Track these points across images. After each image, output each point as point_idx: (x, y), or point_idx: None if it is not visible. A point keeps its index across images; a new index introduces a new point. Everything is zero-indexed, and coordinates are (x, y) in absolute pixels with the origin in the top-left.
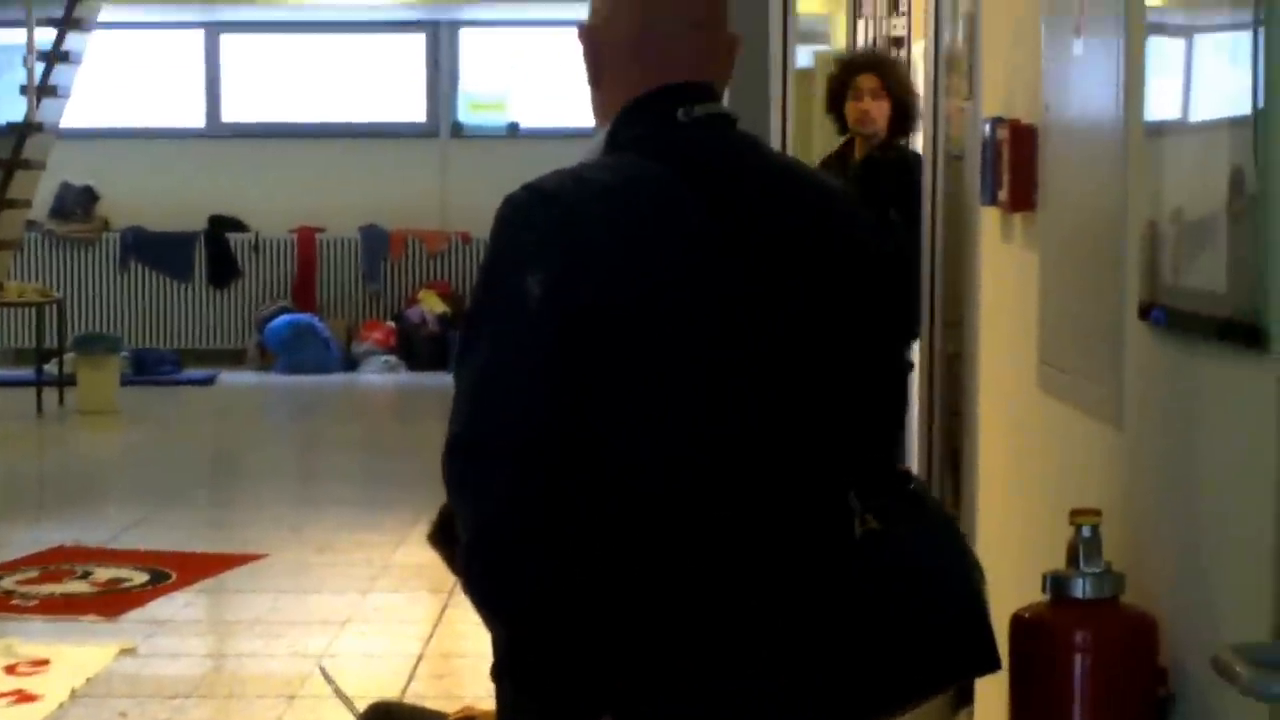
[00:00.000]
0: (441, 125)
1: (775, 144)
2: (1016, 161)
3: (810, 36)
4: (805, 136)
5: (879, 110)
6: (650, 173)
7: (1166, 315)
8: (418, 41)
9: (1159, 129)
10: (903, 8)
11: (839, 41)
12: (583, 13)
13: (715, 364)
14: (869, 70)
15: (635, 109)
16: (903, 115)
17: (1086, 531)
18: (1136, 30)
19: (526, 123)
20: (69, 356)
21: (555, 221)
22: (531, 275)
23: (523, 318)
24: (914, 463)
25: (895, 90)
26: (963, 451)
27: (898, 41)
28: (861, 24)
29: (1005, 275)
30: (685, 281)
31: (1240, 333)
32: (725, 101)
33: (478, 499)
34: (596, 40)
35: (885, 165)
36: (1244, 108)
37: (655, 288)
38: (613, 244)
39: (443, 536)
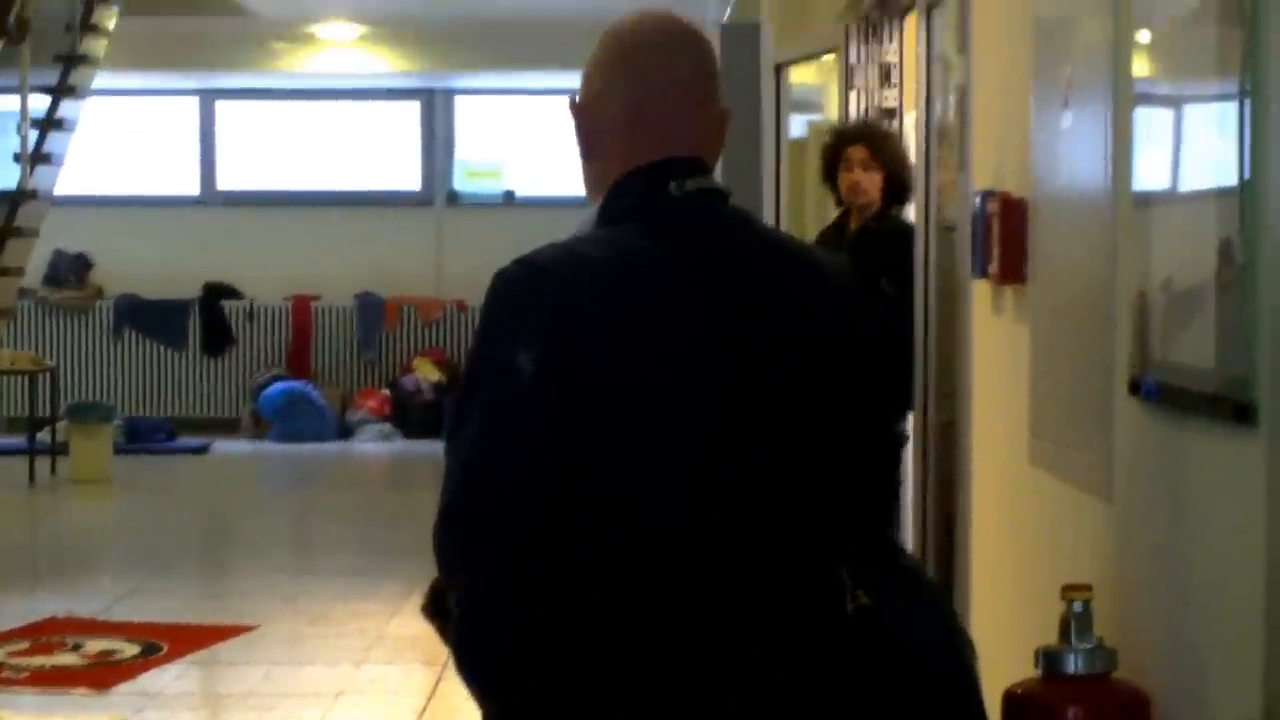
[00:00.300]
0: (437, 193)
1: (769, 214)
2: (1006, 235)
3: (804, 106)
4: (799, 206)
5: (870, 181)
6: (641, 247)
7: (1156, 390)
8: (413, 109)
9: (1147, 199)
10: (894, 79)
11: (832, 112)
12: (577, 82)
13: (705, 440)
14: (859, 141)
15: (627, 183)
16: (896, 186)
17: (1078, 607)
18: (1124, 101)
19: (522, 191)
20: (62, 425)
21: (547, 296)
22: (524, 351)
23: (514, 393)
24: (908, 531)
25: (887, 161)
26: (956, 522)
27: (890, 113)
28: (854, 95)
29: (996, 348)
30: (676, 358)
31: (1228, 408)
32: (719, 171)
33: (468, 573)
34: (587, 114)
35: (878, 236)
36: (1231, 178)
37: (646, 364)
38: (604, 320)
39: (435, 609)
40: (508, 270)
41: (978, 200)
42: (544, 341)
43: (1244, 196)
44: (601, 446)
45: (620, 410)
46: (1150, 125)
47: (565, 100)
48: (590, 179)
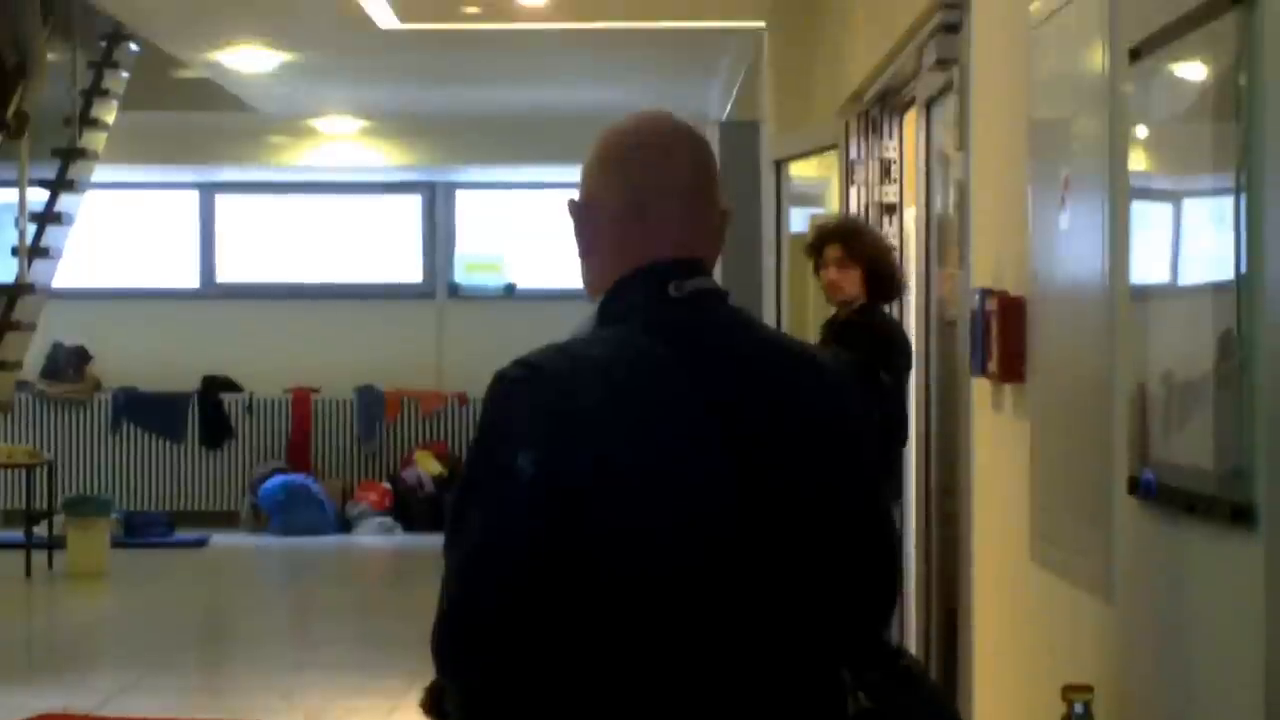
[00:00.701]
0: (438, 286)
1: (770, 307)
2: (1005, 333)
3: (805, 200)
4: (801, 299)
5: (846, 279)
6: (641, 349)
7: (1155, 488)
8: (414, 203)
9: (1145, 293)
10: (895, 175)
11: (834, 206)
12: (577, 176)
13: (704, 541)
14: (834, 240)
15: (626, 283)
16: (877, 280)
17: (1079, 708)
18: (1121, 194)
19: (523, 284)
20: (59, 518)
21: (547, 398)
22: (523, 452)
23: (514, 495)
24: (910, 628)
25: (864, 257)
26: (959, 619)
27: (890, 208)
28: (854, 190)
29: (997, 445)
30: (675, 460)
31: (1227, 508)
32: (720, 266)
33: (467, 675)
34: (586, 214)
35: (854, 329)
36: (1228, 272)
37: (645, 466)
38: (603, 422)
39: (434, 708)
40: (507, 372)
41: (977, 298)
42: (544, 443)
43: (1241, 290)
44: (601, 546)
45: (619, 511)
46: (1147, 219)
47: (565, 195)
48: (589, 277)
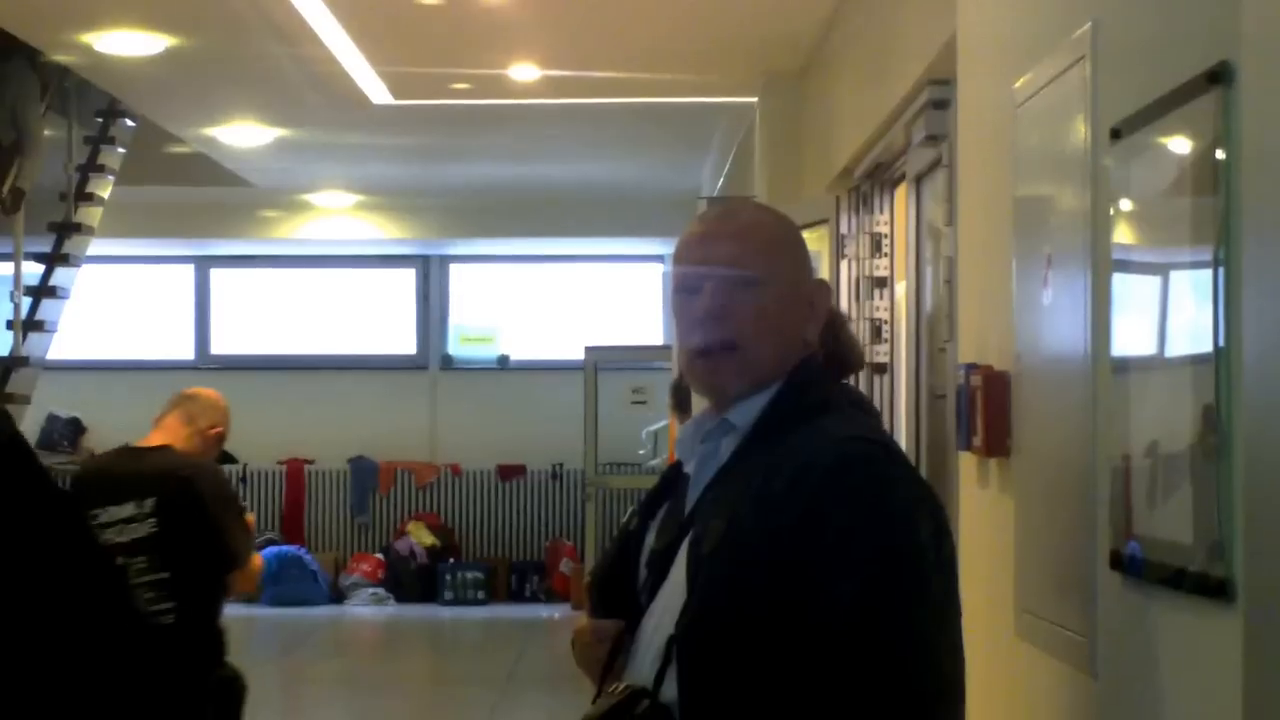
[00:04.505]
0: (431, 358)
1: None
2: (990, 408)
3: None
4: None
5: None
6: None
7: (1139, 563)
8: (408, 276)
9: (1126, 365)
10: (885, 249)
11: (826, 278)
12: (570, 248)
13: None
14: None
15: (818, 367)
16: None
17: None
18: (1102, 267)
19: (516, 355)
20: None
21: (910, 473)
22: (923, 524)
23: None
24: None
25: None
26: None
27: (880, 282)
28: (844, 264)
29: (983, 520)
30: None
31: (1206, 585)
32: None
33: None
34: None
35: None
36: (1207, 345)
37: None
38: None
39: None
40: (880, 448)
41: (962, 373)
42: (931, 517)
43: (1220, 364)
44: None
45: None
46: (1128, 294)
47: (557, 267)
48: (791, 353)
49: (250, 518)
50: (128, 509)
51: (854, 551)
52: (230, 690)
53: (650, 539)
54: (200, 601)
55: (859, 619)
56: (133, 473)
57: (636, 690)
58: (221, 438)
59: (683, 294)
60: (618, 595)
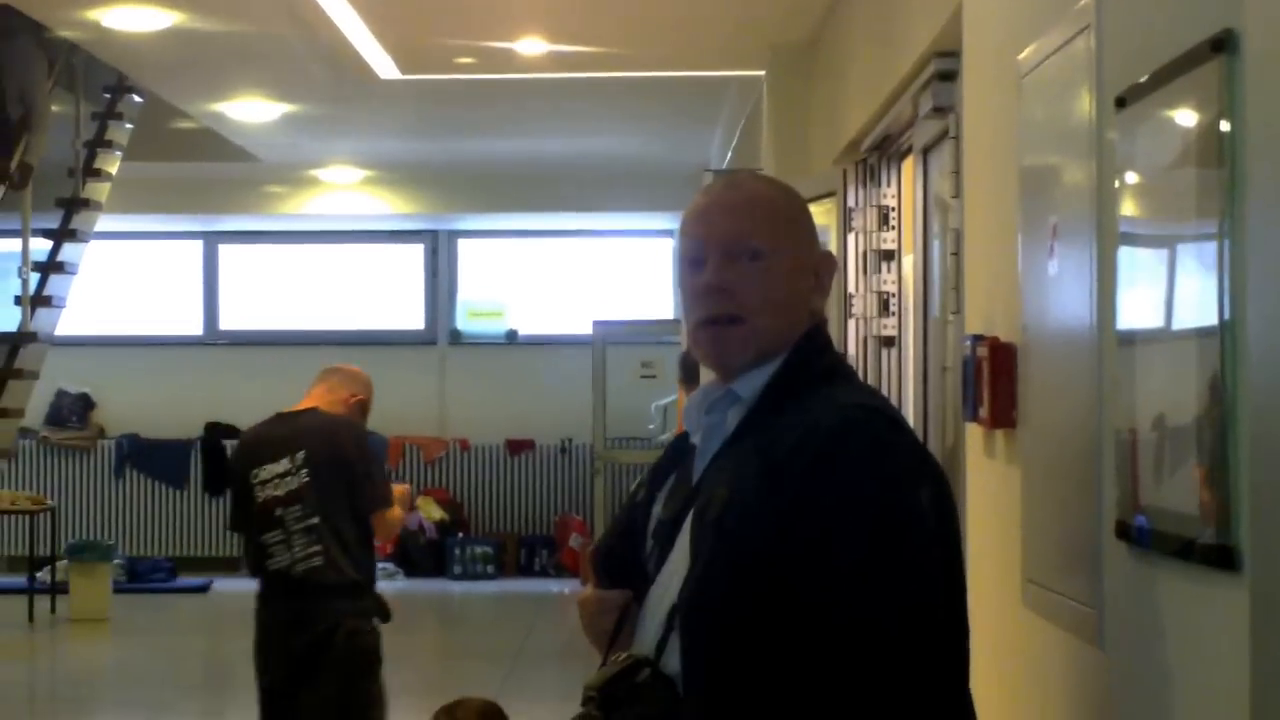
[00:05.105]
0: (440, 333)
1: None
2: (996, 380)
3: None
4: None
5: None
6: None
7: (1146, 534)
8: (417, 251)
9: (1131, 337)
10: (892, 222)
11: (833, 251)
12: (578, 223)
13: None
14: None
15: (825, 335)
16: None
17: None
18: (1108, 241)
19: (525, 330)
20: (62, 564)
21: (912, 441)
22: (923, 490)
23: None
24: None
25: None
26: None
27: (888, 255)
28: (852, 237)
29: (989, 491)
30: None
31: (1212, 555)
32: None
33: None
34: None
35: None
36: (1212, 318)
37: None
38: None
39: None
40: (871, 417)
41: (968, 344)
42: (931, 479)
43: (1225, 335)
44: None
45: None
46: (1134, 265)
47: (565, 242)
48: (799, 321)
49: (402, 488)
50: (282, 464)
51: (852, 518)
52: (361, 638)
53: (657, 509)
54: (345, 546)
55: (857, 586)
56: (284, 433)
57: (638, 659)
58: (362, 405)
59: (687, 267)
60: (625, 566)
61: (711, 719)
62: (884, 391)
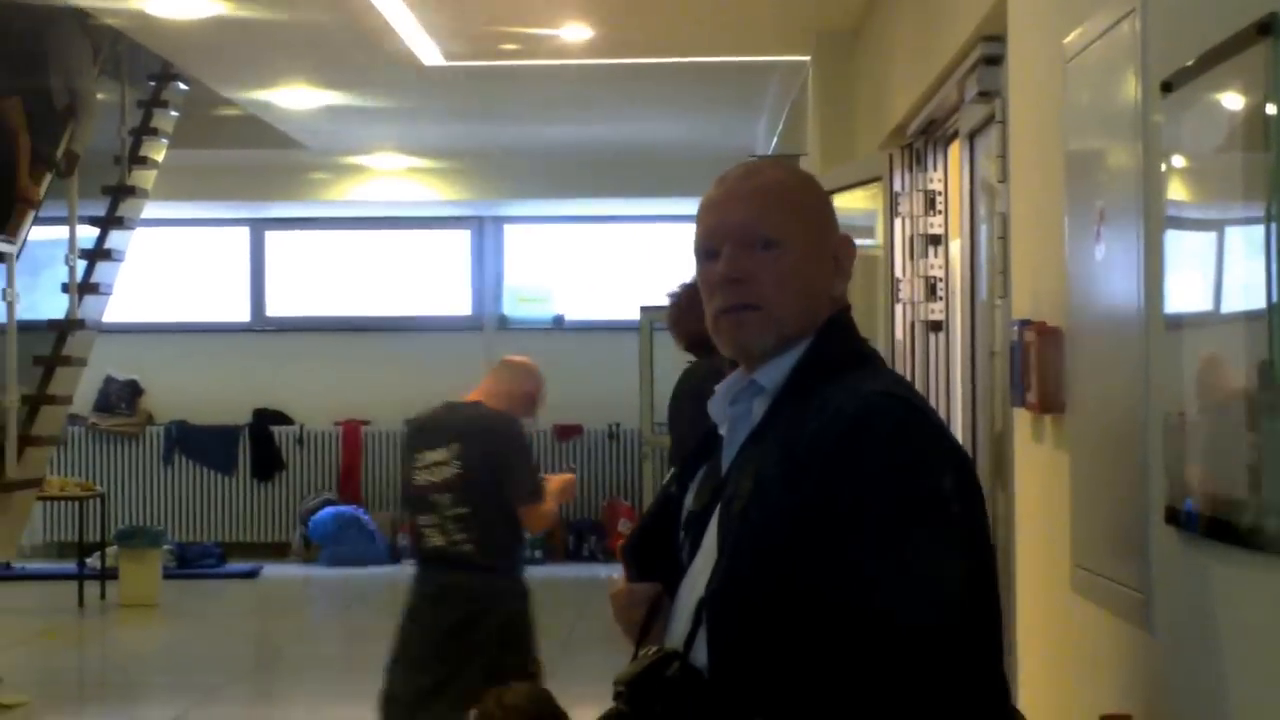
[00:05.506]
0: (486, 318)
1: None
2: (1043, 364)
3: (852, 232)
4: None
5: None
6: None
7: (1191, 519)
8: (463, 237)
9: (1179, 321)
10: (939, 206)
11: (881, 237)
12: (624, 209)
13: None
14: None
15: (849, 321)
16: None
17: None
18: (1155, 224)
19: (571, 315)
20: (111, 550)
21: (934, 427)
22: (946, 477)
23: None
24: None
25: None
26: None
27: (935, 239)
28: (898, 222)
29: (1037, 476)
30: None
31: (1261, 539)
32: None
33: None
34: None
35: None
36: (1260, 301)
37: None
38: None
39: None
40: (903, 403)
41: (1015, 329)
42: (955, 464)
43: (1272, 319)
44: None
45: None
46: (1181, 249)
47: (611, 227)
48: (818, 307)
49: (563, 478)
50: (440, 453)
51: (872, 506)
52: (518, 620)
53: (689, 501)
54: (494, 535)
55: (878, 575)
56: (446, 423)
57: (668, 653)
58: (530, 397)
59: (703, 258)
60: (659, 558)
61: (738, 711)
62: (931, 376)
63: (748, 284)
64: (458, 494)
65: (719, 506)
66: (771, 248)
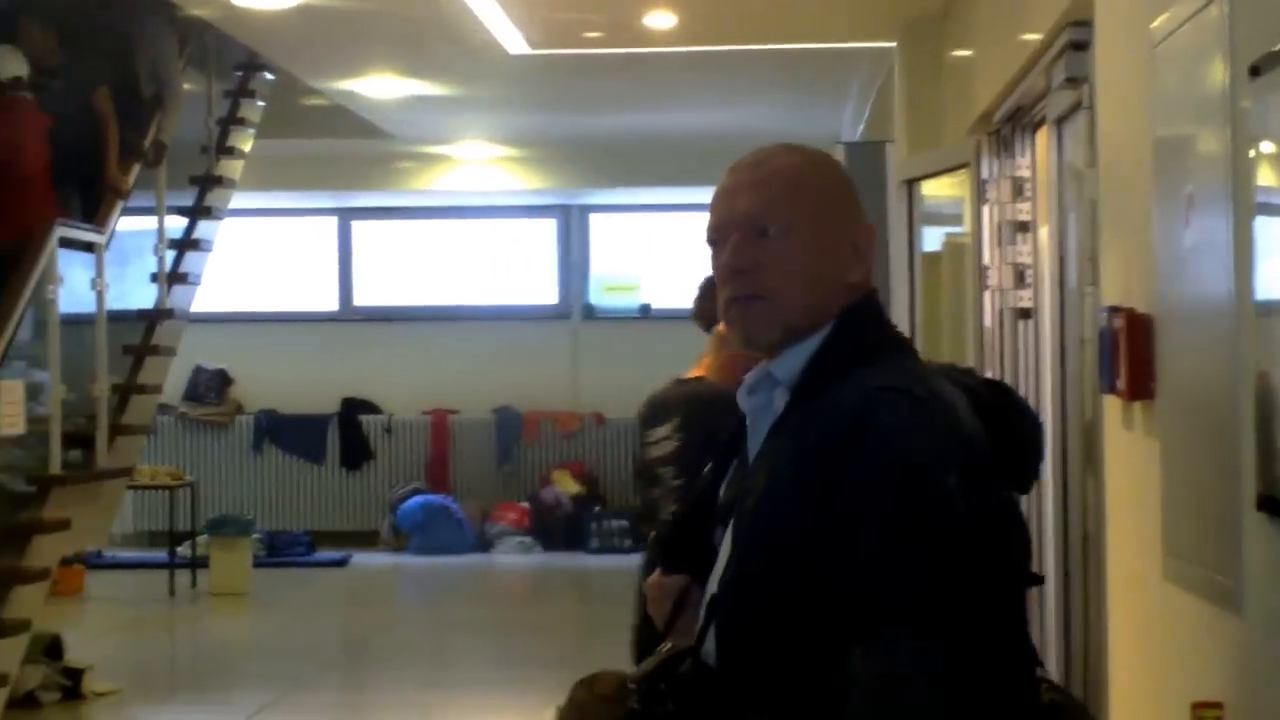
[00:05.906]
0: (573, 307)
1: (903, 327)
2: (1133, 351)
3: (939, 219)
4: (934, 318)
5: None
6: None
7: None
8: (549, 226)
9: (1270, 308)
10: (1027, 192)
11: (968, 224)
12: (708, 198)
13: None
14: None
15: (877, 309)
16: None
17: None
18: (1245, 211)
19: (658, 304)
20: (202, 539)
21: (943, 423)
22: (950, 475)
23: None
24: (1051, 649)
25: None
26: (1089, 635)
27: (1023, 226)
28: (986, 209)
29: (1129, 463)
30: None
31: None
32: None
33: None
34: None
35: None
36: None
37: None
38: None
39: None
40: (908, 399)
41: (1105, 315)
42: (961, 459)
43: None
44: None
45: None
46: (1272, 235)
47: (697, 216)
48: (840, 296)
49: None
50: (665, 429)
51: (872, 504)
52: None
53: (722, 492)
54: None
55: (878, 577)
56: (671, 398)
57: (682, 650)
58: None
59: (710, 248)
60: (696, 550)
61: (745, 707)
62: (1020, 364)
63: (753, 274)
64: (677, 467)
65: (736, 500)
66: (775, 236)
